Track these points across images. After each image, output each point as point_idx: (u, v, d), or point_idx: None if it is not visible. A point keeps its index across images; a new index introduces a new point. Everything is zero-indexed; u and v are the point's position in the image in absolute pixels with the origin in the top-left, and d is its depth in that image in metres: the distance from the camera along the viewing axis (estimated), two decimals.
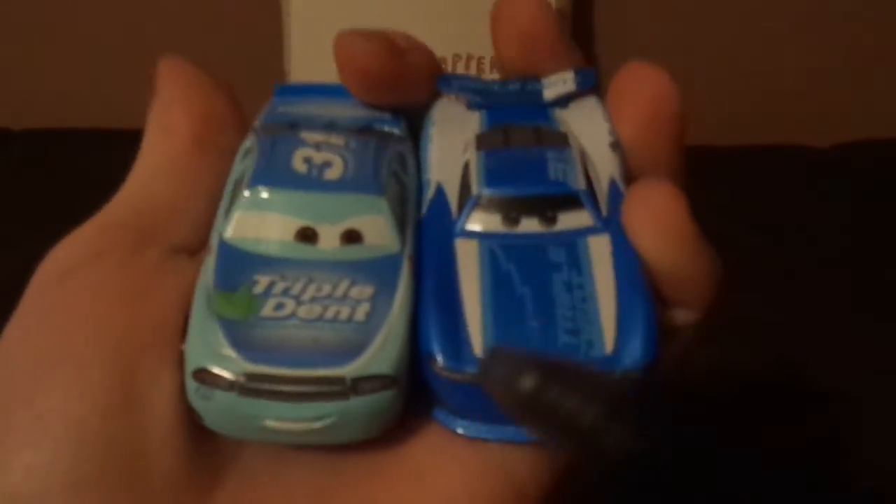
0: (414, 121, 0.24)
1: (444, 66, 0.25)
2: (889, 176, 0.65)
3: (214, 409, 0.19)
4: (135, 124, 0.25)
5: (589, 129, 0.23)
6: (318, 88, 0.25)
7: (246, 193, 0.21)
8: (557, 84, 0.24)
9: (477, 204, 0.21)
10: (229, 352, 0.18)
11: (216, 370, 0.18)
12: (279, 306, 0.19)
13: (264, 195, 0.20)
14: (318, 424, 0.19)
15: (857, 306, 0.56)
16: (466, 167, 0.22)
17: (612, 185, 0.22)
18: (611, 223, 0.21)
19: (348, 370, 0.18)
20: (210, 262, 0.20)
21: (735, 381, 0.52)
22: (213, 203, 0.22)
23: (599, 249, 0.20)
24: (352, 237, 0.20)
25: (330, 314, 0.19)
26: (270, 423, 0.19)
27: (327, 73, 0.24)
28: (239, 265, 0.20)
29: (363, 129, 0.23)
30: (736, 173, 0.63)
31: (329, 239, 0.20)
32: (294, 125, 0.22)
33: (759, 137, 0.68)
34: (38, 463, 0.18)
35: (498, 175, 0.21)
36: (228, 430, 0.19)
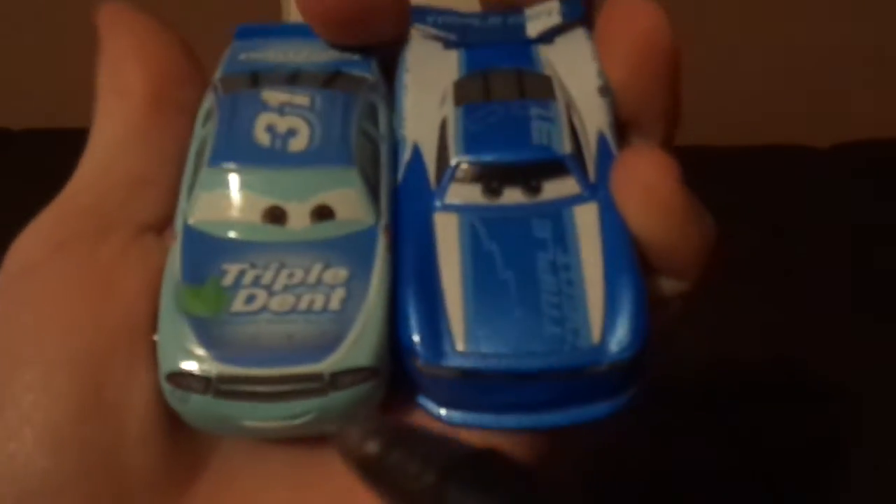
0: (387, 57, 0.22)
1: None
2: (889, 176, 0.65)
3: (191, 410, 0.18)
4: None
5: (576, 70, 0.21)
6: (281, 29, 0.23)
7: (208, 172, 0.19)
8: (542, 16, 0.22)
9: (456, 173, 0.20)
10: (201, 353, 0.18)
11: (189, 374, 0.18)
12: (250, 299, 0.18)
13: (227, 173, 0.19)
14: (297, 422, 0.18)
15: (856, 306, 0.56)
16: (444, 125, 0.20)
17: (601, 140, 0.20)
18: (598, 189, 0.20)
19: (325, 365, 0.18)
20: (176, 251, 0.19)
21: (735, 381, 0.52)
22: (178, 169, 0.20)
23: (586, 221, 0.19)
24: (323, 213, 0.19)
25: (303, 305, 0.18)
26: (249, 423, 0.18)
27: None
28: (206, 253, 0.19)
29: (330, 79, 0.21)
30: (736, 173, 0.63)
31: (299, 217, 0.19)
32: (256, 76, 0.21)
33: (759, 137, 0.68)
34: (13, 469, 0.18)
35: (477, 138, 0.20)
36: (208, 428, 0.19)
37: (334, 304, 0.18)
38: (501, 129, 0.20)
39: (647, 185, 0.19)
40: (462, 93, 0.21)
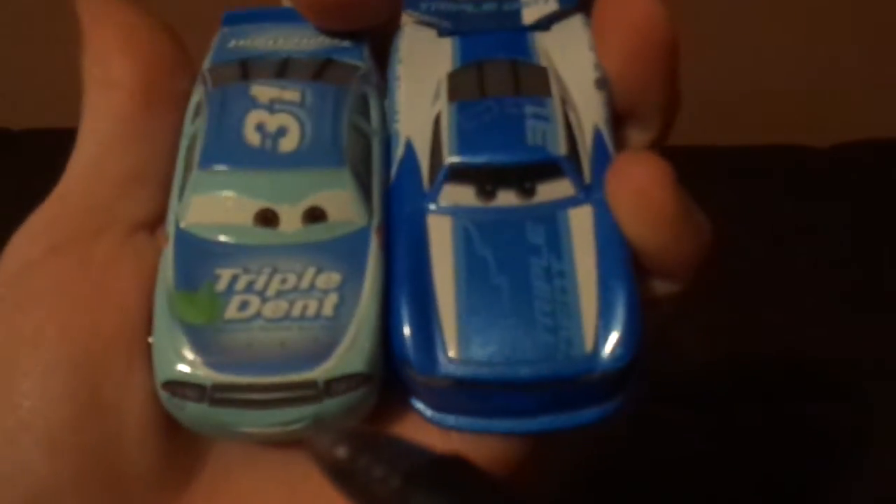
0: (379, 42, 0.22)
1: None
2: (889, 176, 0.65)
3: (188, 417, 0.18)
4: None
5: (572, 61, 0.21)
6: (270, 13, 0.23)
7: (198, 174, 0.19)
8: (538, 2, 0.21)
9: (449, 174, 0.19)
10: (197, 362, 0.18)
11: (185, 383, 0.18)
12: (243, 305, 0.18)
13: (217, 176, 0.19)
14: (292, 428, 0.18)
15: (857, 306, 0.56)
16: (438, 122, 0.20)
17: (597, 136, 0.20)
18: (593, 191, 0.19)
19: (319, 372, 0.18)
20: (168, 256, 0.19)
21: (735, 381, 0.52)
22: (170, 164, 0.20)
23: (581, 225, 0.19)
24: (315, 215, 0.19)
25: (296, 311, 0.18)
26: (245, 430, 0.18)
27: None
28: (198, 258, 0.19)
29: (320, 68, 0.21)
30: (736, 173, 0.63)
31: (290, 220, 0.19)
32: (245, 66, 0.21)
33: (759, 137, 0.68)
34: (12, 475, 0.18)
35: (471, 138, 0.19)
36: (205, 433, 0.19)
37: (327, 309, 0.18)
38: (496, 129, 0.20)
39: (640, 191, 0.19)
40: (456, 87, 0.20)
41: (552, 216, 0.19)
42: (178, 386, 0.18)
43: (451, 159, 0.19)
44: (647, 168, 0.19)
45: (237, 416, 0.18)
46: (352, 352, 0.18)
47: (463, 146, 0.19)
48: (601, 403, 0.19)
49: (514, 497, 0.15)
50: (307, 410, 0.18)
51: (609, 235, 0.19)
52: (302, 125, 0.20)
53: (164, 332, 0.18)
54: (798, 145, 0.68)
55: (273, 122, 0.20)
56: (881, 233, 0.60)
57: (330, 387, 0.18)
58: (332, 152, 0.19)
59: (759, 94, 0.73)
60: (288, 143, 0.19)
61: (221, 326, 0.18)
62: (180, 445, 0.19)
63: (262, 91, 0.20)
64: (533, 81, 0.20)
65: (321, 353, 0.18)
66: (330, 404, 0.18)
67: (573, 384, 0.18)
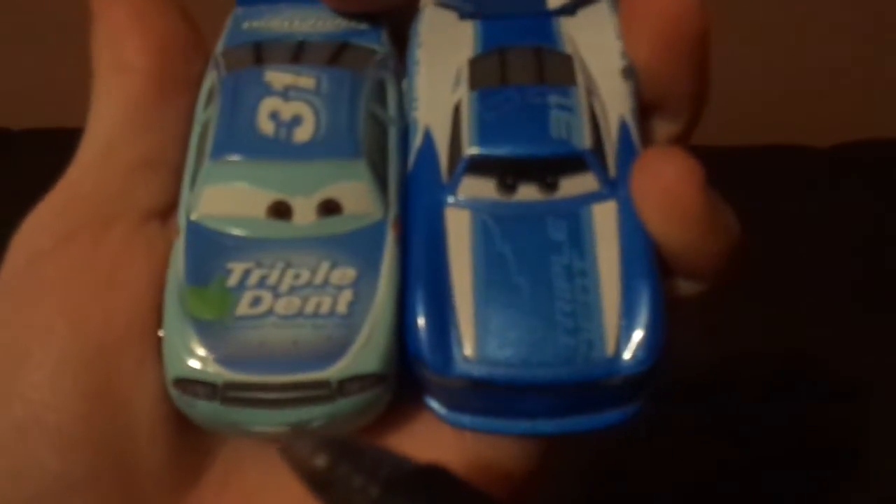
0: (398, 25, 0.21)
1: None
2: (889, 175, 0.65)
3: (198, 415, 0.18)
4: None
5: (598, 48, 0.20)
6: None
7: (210, 165, 0.19)
8: None
9: (469, 167, 0.19)
10: (208, 360, 0.17)
11: (196, 380, 0.18)
12: (255, 301, 0.18)
13: (230, 167, 0.19)
14: (304, 428, 0.18)
15: (857, 306, 0.56)
16: (458, 110, 0.19)
17: (623, 128, 0.19)
18: (618, 186, 0.19)
19: (332, 372, 0.17)
20: (179, 249, 0.19)
21: (735, 380, 0.52)
22: (183, 150, 0.19)
23: (604, 221, 0.18)
24: (329, 208, 0.19)
25: (310, 308, 0.18)
26: (256, 429, 0.18)
27: None
28: (210, 251, 0.18)
29: (337, 52, 0.20)
30: (736, 173, 0.63)
31: (305, 213, 0.19)
32: (259, 49, 0.20)
33: (759, 137, 0.68)
34: (23, 470, 0.18)
35: (493, 129, 0.19)
36: (216, 430, 0.19)
37: (341, 307, 0.18)
38: (518, 120, 0.19)
39: (667, 189, 0.18)
40: (477, 75, 0.20)
41: (575, 212, 0.18)
42: (189, 384, 0.18)
43: (470, 151, 0.19)
44: (675, 165, 0.18)
45: (248, 415, 0.18)
46: (366, 351, 0.18)
47: (484, 137, 0.19)
48: (621, 406, 0.19)
49: None
50: (320, 410, 0.18)
51: (633, 233, 0.18)
52: (317, 114, 0.19)
53: (175, 329, 0.18)
54: (798, 145, 0.68)
55: (287, 110, 0.19)
56: (881, 233, 0.60)
57: (343, 387, 0.18)
58: (348, 143, 0.19)
59: (760, 94, 0.73)
60: (302, 133, 0.19)
61: (233, 323, 0.18)
62: (191, 440, 0.19)
63: (277, 77, 0.19)
64: (557, 70, 0.19)
65: (335, 352, 0.17)
66: (343, 404, 0.18)
67: (593, 388, 0.18)
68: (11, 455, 0.18)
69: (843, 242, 0.60)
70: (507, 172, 0.19)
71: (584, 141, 0.19)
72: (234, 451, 0.20)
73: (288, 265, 0.18)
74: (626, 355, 0.17)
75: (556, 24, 0.20)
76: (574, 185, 0.19)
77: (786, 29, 0.71)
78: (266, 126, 0.19)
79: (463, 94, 0.19)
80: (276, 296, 0.18)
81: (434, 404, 0.19)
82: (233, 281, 0.18)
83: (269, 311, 0.18)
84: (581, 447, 0.21)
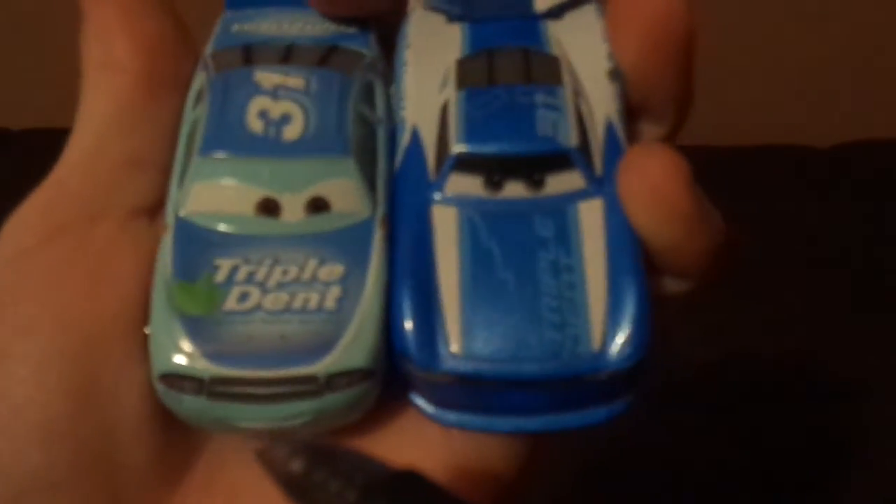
0: (386, 30, 0.21)
1: None
2: (889, 176, 0.65)
3: (185, 410, 0.18)
4: None
5: (585, 51, 0.20)
6: None
7: (199, 161, 0.19)
8: None
9: (456, 163, 0.19)
10: (195, 354, 0.17)
11: (182, 375, 0.17)
12: (243, 297, 0.18)
13: (219, 164, 0.19)
14: (291, 423, 0.18)
15: (856, 306, 0.56)
16: (445, 109, 0.19)
17: (609, 128, 0.19)
18: (604, 183, 0.19)
19: (320, 367, 0.17)
20: (167, 244, 0.18)
21: (735, 380, 0.52)
22: (171, 149, 0.19)
23: (590, 218, 0.18)
24: (318, 206, 0.19)
25: (298, 303, 0.18)
26: (243, 424, 0.18)
27: None
28: (198, 247, 0.18)
29: (325, 55, 0.20)
30: (736, 173, 0.63)
31: (293, 210, 0.19)
32: (249, 51, 0.20)
33: (759, 137, 0.68)
34: (5, 466, 0.17)
35: (480, 127, 0.19)
36: (203, 427, 0.19)
37: (329, 302, 0.18)
38: (505, 118, 0.19)
39: (653, 186, 0.18)
40: (465, 75, 0.20)
41: (561, 209, 0.19)
42: (176, 378, 0.18)
43: (457, 148, 0.19)
44: (662, 161, 0.18)
45: (235, 410, 0.18)
46: (354, 346, 0.18)
47: (470, 135, 0.19)
48: (608, 403, 0.19)
49: None
50: (308, 406, 0.18)
51: (620, 230, 0.18)
52: (306, 113, 0.19)
53: (162, 324, 0.18)
54: (798, 145, 0.68)
55: (277, 108, 0.19)
56: (881, 233, 0.60)
57: (331, 382, 0.18)
58: (337, 141, 0.19)
59: (760, 94, 0.73)
60: (291, 132, 0.19)
61: (220, 318, 0.18)
62: (176, 438, 0.19)
63: (266, 77, 0.20)
64: (544, 70, 0.20)
65: (323, 347, 0.17)
66: (331, 399, 0.18)
67: (579, 383, 0.18)
68: None
69: (843, 242, 0.60)
70: (494, 170, 0.19)
71: (571, 139, 0.19)
72: (219, 450, 0.20)
73: (276, 262, 0.18)
74: (613, 351, 0.18)
75: (543, 27, 0.21)
76: (560, 183, 0.19)
77: (786, 29, 0.71)
78: (255, 124, 0.19)
79: (450, 93, 0.19)
80: (264, 291, 0.18)
81: (420, 402, 0.19)
82: (221, 277, 0.18)
83: (257, 307, 0.18)
84: (570, 448, 0.21)
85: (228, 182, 0.19)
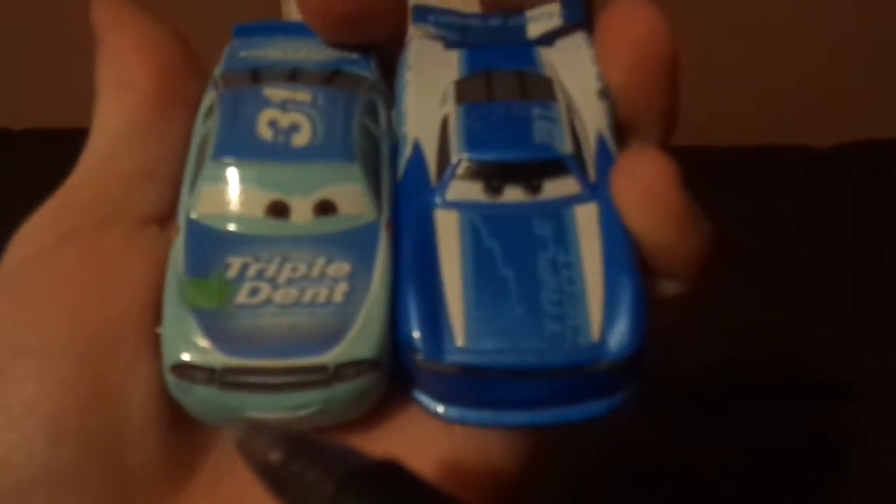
0: (387, 57, 0.22)
1: None
2: (889, 176, 0.65)
3: (196, 402, 0.18)
4: None
5: (576, 72, 0.21)
6: (279, 27, 0.23)
7: (211, 165, 0.19)
8: (542, 18, 0.22)
9: (457, 171, 0.20)
10: (206, 345, 0.18)
11: (194, 365, 0.18)
12: (254, 292, 0.18)
13: (230, 168, 0.19)
14: (301, 413, 0.18)
15: (856, 306, 0.56)
16: (445, 123, 0.20)
17: (600, 141, 0.20)
18: (598, 189, 0.20)
19: (330, 357, 0.18)
20: (179, 245, 0.19)
21: (735, 381, 0.52)
22: (181, 163, 0.20)
23: (586, 221, 0.19)
24: (325, 208, 0.19)
25: (307, 298, 0.18)
26: (253, 415, 0.18)
27: None
28: (209, 247, 0.19)
29: (330, 77, 0.21)
30: (736, 173, 0.64)
31: (301, 212, 0.19)
32: (256, 74, 0.21)
33: (759, 137, 0.68)
34: (13, 458, 0.18)
35: (479, 137, 0.20)
36: (213, 420, 0.19)
37: (338, 297, 0.18)
38: (503, 128, 0.20)
39: (646, 187, 0.19)
40: (464, 92, 0.21)
41: (558, 212, 0.19)
42: (187, 369, 0.18)
43: (458, 156, 0.20)
44: (654, 164, 0.19)
45: (246, 400, 0.18)
46: (362, 338, 0.18)
47: (471, 144, 0.20)
48: (606, 397, 0.19)
49: None
50: (317, 395, 0.18)
51: (614, 231, 0.19)
52: (314, 123, 0.20)
53: (174, 317, 0.18)
54: (798, 145, 0.69)
55: (285, 119, 0.20)
56: (881, 233, 0.60)
57: (340, 371, 0.18)
58: (343, 148, 0.20)
59: (760, 93, 0.73)
60: (300, 139, 0.20)
61: (232, 311, 0.18)
62: (184, 437, 0.19)
63: (275, 92, 0.20)
64: (539, 88, 0.21)
65: (331, 337, 0.18)
66: (339, 389, 0.18)
67: (580, 373, 0.18)
68: (1, 443, 0.18)
69: (843, 243, 0.60)
70: (493, 176, 0.20)
71: (566, 147, 0.20)
72: (227, 450, 0.20)
73: (285, 260, 0.19)
74: (611, 341, 0.18)
75: (537, 52, 0.22)
76: (557, 188, 0.20)
77: (787, 29, 0.72)
78: (265, 132, 0.20)
79: (450, 108, 0.20)
80: (275, 287, 0.19)
81: (424, 399, 0.19)
82: (232, 273, 0.19)
83: (268, 301, 0.18)
84: (572, 445, 0.21)
85: (239, 185, 0.19)
